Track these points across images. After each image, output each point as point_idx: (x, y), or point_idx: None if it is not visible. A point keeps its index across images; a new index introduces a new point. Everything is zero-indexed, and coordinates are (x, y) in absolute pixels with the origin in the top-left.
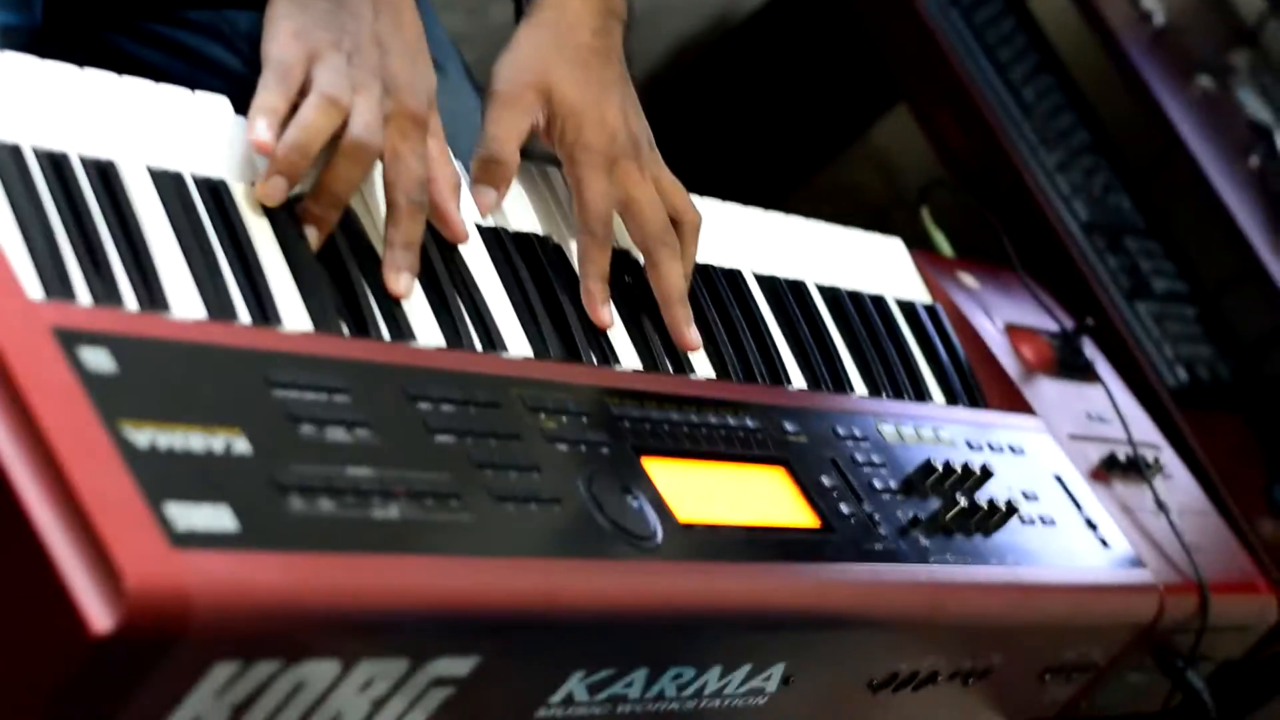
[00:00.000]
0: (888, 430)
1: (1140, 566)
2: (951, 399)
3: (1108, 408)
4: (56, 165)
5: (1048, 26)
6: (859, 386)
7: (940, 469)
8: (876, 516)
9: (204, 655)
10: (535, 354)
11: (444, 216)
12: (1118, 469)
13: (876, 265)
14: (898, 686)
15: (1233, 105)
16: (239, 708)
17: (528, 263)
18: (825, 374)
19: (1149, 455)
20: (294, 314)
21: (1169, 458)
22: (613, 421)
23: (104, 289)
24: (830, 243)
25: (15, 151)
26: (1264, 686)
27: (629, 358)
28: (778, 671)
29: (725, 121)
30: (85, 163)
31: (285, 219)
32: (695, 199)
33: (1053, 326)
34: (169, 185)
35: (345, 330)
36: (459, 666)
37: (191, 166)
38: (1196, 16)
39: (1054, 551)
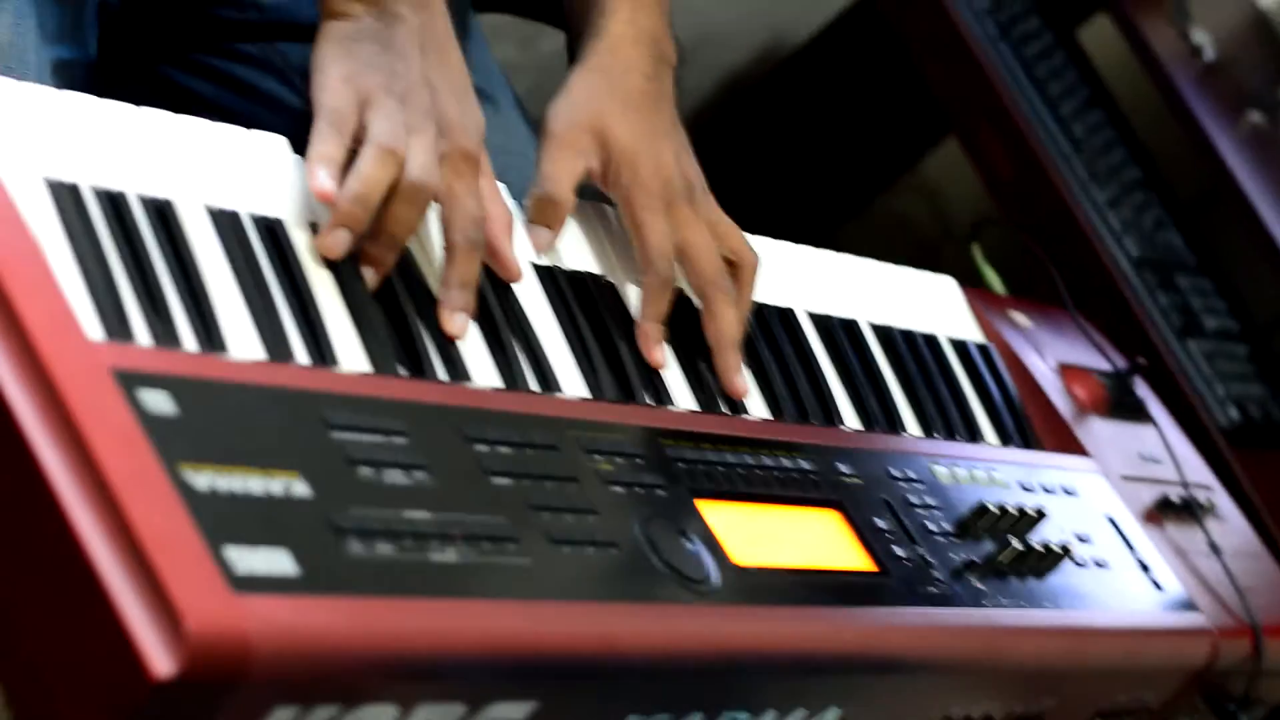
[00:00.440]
0: (941, 471)
1: (1193, 609)
2: (1005, 439)
3: (1160, 448)
4: (115, 205)
5: (1098, 61)
6: (912, 426)
7: (994, 511)
8: (931, 560)
9: (263, 699)
10: (590, 394)
11: (499, 255)
12: (1171, 510)
13: (929, 304)
14: None
15: None
16: None
17: (581, 302)
18: (879, 413)
19: (1202, 496)
20: (351, 355)
21: (1221, 499)
22: (667, 463)
23: (163, 329)
24: (883, 281)
25: (74, 191)
26: None
27: (683, 398)
28: (832, 716)
29: (773, 155)
30: (143, 202)
31: (342, 260)
32: (748, 238)
33: (1105, 366)
34: (227, 225)
35: (402, 371)
36: (515, 711)
37: (249, 206)
38: (1246, 51)
39: (1107, 594)
